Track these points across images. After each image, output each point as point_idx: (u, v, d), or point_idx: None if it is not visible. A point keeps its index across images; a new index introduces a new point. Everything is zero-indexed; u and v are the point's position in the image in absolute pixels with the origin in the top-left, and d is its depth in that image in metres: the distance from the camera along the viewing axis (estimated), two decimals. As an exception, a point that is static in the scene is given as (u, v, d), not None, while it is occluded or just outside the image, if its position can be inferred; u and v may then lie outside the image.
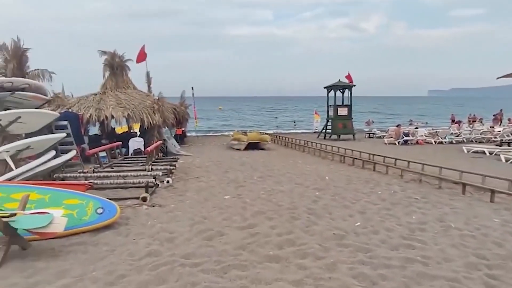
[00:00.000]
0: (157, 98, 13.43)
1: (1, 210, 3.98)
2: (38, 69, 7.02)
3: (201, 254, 3.55)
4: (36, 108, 6.85)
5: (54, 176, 6.46)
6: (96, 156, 8.49)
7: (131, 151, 11.78)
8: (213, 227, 4.36)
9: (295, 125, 32.92)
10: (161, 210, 5.18)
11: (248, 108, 75.64)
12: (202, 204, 5.47)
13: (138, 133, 13.93)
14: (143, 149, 11.81)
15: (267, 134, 18.16)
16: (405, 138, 15.62)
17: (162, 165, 8.14)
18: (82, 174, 6.87)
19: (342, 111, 18.32)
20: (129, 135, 13.90)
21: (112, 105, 11.83)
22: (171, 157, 10.51)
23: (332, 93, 18.86)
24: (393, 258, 3.40)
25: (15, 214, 3.31)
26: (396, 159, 8.62)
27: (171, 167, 7.79)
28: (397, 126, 17.13)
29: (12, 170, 5.41)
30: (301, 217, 4.75)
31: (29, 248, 3.64)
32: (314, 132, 22.38)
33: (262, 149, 14.26)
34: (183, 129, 19.02)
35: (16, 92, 5.75)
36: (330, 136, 18.69)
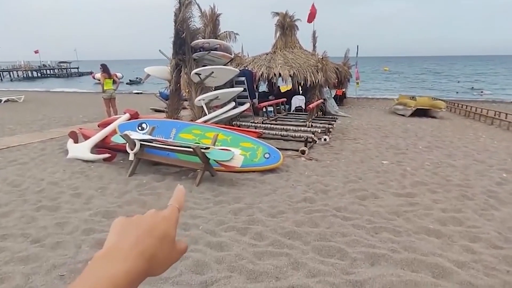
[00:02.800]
0: (321, 57, 13.54)
1: (198, 143, 5.19)
2: (226, 31, 8.26)
3: (353, 210, 3.64)
4: (223, 65, 8.21)
5: (233, 123, 7.76)
6: (264, 109, 9.59)
7: (293, 107, 12.65)
8: (367, 188, 4.32)
9: (481, 93, 26.59)
10: (317, 164, 5.49)
11: (422, 70, 65.65)
12: (358, 165, 5.44)
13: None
14: (304, 106, 12.46)
15: (441, 100, 15.54)
16: None
17: (320, 123, 8.41)
18: (253, 124, 7.98)
19: None
20: (293, 93, 14.88)
21: (280, 64, 12.77)
22: (330, 116, 10.65)
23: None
24: None
25: (208, 148, 4.27)
26: None
27: (329, 126, 7.94)
28: None
29: (206, 115, 6.84)
30: (476, 198, 4.05)
31: (216, 176, 4.69)
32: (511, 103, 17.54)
33: (433, 117, 12.43)
34: (343, 90, 18.64)
35: (211, 52, 7.05)
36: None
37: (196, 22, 7.28)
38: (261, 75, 12.44)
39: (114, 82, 9.74)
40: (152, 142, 4.75)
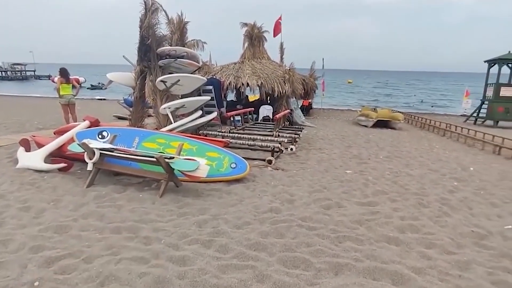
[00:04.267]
0: (288, 68, 13.86)
1: (163, 153, 5.03)
2: (194, 40, 8.18)
3: (318, 220, 3.68)
4: (190, 73, 8.10)
5: (200, 132, 7.65)
6: (232, 119, 9.56)
7: (260, 117, 12.75)
8: (332, 197, 4.41)
9: (422, 102, 29.49)
10: (284, 174, 5.53)
11: (382, 83, 69.42)
12: (323, 174, 5.56)
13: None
14: (271, 116, 12.61)
15: (400, 112, 16.45)
16: None
17: (287, 133, 8.54)
18: (220, 133, 7.91)
19: (507, 92, 14.73)
20: (260, 103, 15.04)
21: (248, 73, 12.86)
22: (296, 126, 10.85)
23: (495, 68, 15.27)
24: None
25: (173, 157, 4.14)
26: None
27: (296, 136, 8.08)
28: None
29: (171, 123, 6.68)
30: (431, 206, 4.27)
31: (180, 186, 4.55)
32: (462, 116, 18.95)
33: (393, 128, 13.10)
34: (310, 100, 19.16)
35: (178, 59, 6.93)
36: (483, 122, 15.51)
37: (163, 29, 7.14)
38: (229, 84, 12.46)
39: (73, 87, 9.26)
40: (113, 151, 4.52)
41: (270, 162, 6.10)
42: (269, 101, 14.34)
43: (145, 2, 6.39)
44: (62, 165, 5.06)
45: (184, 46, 7.85)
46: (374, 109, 15.60)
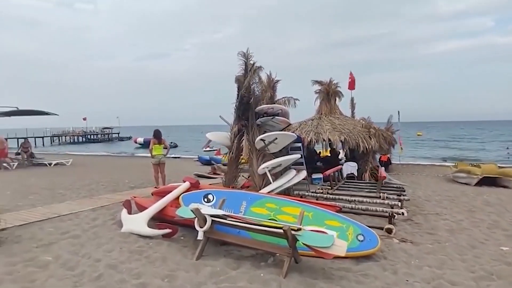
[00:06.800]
0: (367, 122, 13.14)
1: (275, 220, 4.43)
2: (285, 97, 8.08)
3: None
4: (280, 131, 7.81)
5: (295, 193, 7.02)
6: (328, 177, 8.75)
7: (344, 175, 11.79)
8: (512, 290, 3.25)
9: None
10: (417, 249, 4.47)
11: (457, 134, 63.56)
12: (472, 252, 4.36)
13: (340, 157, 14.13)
14: (356, 173, 11.60)
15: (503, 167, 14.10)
16: None
17: (389, 193, 7.46)
18: (314, 194, 7.18)
19: None
20: (334, 159, 14.23)
21: (328, 129, 12.34)
22: (394, 185, 9.63)
23: None
24: None
25: (300, 229, 3.49)
26: None
27: (404, 197, 6.97)
28: None
29: (270, 183, 6.20)
30: None
31: (300, 262, 3.80)
32: None
33: (505, 186, 11.02)
34: (388, 155, 17.75)
35: (275, 117, 6.70)
36: None
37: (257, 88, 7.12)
38: (310, 140, 11.99)
39: (164, 147, 9.59)
40: (226, 219, 4.06)
41: (390, 231, 5.10)
42: (346, 158, 13.48)
43: (245, 63, 6.44)
44: (167, 231, 4.73)
45: (274, 104, 7.72)
46: (476, 164, 13.59)
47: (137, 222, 5.10)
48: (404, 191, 7.90)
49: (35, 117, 18.86)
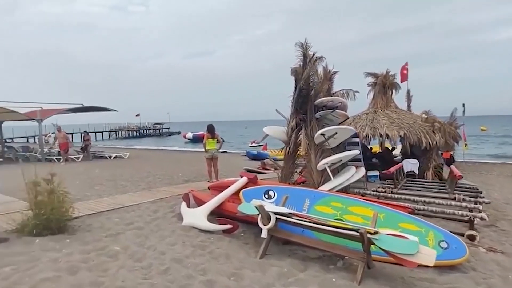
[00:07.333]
0: (427, 116, 12.11)
1: (341, 220, 4.11)
2: (343, 89, 7.63)
3: None
4: (338, 125, 7.38)
5: (355, 191, 6.58)
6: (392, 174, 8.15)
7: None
8: None
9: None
10: (509, 260, 3.87)
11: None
12: None
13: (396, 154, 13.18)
14: (417, 171, 10.74)
15: None
16: None
17: (464, 194, 6.67)
18: (374, 193, 6.67)
19: None
20: (388, 155, 13.32)
21: (386, 124, 11.54)
22: (465, 185, 8.69)
23: None
24: None
25: (377, 232, 3.15)
26: None
27: (482, 199, 6.18)
28: None
29: (329, 180, 5.86)
30: None
31: (373, 268, 3.47)
32: None
33: None
34: (451, 152, 16.24)
35: (335, 110, 6.32)
36: None
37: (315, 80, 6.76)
38: (366, 135, 11.31)
39: (217, 141, 9.65)
40: (291, 217, 3.84)
41: (473, 238, 4.52)
42: (402, 154, 12.54)
43: (304, 54, 6.13)
44: (228, 226, 4.65)
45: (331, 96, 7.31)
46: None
47: (197, 216, 5.09)
48: (481, 193, 7.04)
49: (95, 113, 20.33)
